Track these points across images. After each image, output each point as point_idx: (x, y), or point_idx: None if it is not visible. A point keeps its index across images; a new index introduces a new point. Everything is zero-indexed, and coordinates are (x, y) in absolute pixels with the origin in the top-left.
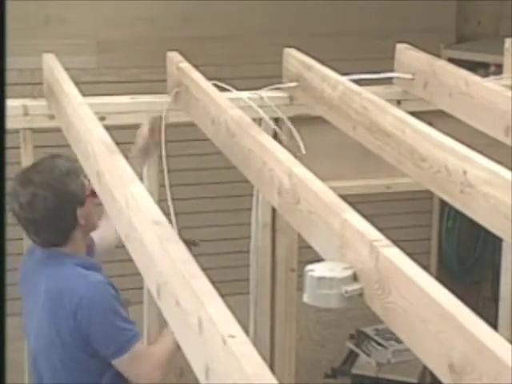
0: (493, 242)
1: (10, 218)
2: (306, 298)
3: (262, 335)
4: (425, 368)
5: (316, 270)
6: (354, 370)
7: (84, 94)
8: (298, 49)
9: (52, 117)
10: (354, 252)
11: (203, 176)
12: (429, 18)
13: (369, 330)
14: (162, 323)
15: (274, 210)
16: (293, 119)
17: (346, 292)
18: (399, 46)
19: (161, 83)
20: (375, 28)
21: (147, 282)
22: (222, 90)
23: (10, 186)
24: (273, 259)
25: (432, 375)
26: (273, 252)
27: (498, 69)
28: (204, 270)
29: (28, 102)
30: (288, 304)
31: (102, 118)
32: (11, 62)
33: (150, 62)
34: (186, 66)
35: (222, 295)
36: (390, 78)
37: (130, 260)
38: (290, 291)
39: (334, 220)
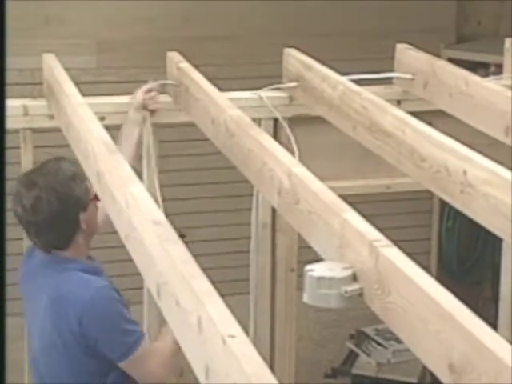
0: (493, 242)
1: (10, 218)
2: (305, 298)
3: (262, 335)
4: (425, 368)
5: (316, 269)
6: (354, 370)
7: (84, 94)
8: (298, 49)
9: (52, 117)
10: (353, 252)
11: (203, 176)
12: (429, 18)
13: (369, 330)
14: (162, 323)
15: (273, 210)
16: (293, 119)
17: (346, 292)
18: (399, 46)
19: None
20: (375, 28)
21: (147, 282)
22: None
23: (13, 187)
24: (273, 259)
25: (432, 375)
26: (273, 252)
27: (498, 69)
28: (204, 269)
29: (28, 102)
30: (288, 304)
31: (101, 118)
32: (11, 62)
33: (149, 61)
34: (185, 65)
35: (222, 295)
36: (390, 78)
37: (130, 260)
38: (289, 291)
39: (333, 220)
